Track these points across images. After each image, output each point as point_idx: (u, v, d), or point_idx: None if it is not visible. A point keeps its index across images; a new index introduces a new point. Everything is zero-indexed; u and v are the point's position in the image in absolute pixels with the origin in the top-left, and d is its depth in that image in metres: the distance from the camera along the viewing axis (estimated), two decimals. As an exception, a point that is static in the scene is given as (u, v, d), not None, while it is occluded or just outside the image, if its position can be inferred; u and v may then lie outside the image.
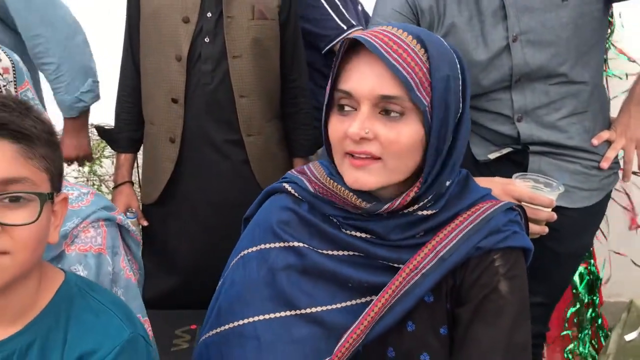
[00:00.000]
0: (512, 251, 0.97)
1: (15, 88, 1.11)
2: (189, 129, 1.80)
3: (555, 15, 1.44)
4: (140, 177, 2.02)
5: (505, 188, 1.29)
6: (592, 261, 2.34)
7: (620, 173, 1.65)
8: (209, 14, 1.77)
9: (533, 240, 1.22)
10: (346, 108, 0.94)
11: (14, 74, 1.11)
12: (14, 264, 0.79)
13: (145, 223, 1.92)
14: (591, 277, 2.35)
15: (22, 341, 0.85)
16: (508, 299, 0.94)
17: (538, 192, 1.30)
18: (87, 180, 2.80)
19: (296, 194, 1.06)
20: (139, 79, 1.87)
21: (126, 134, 1.92)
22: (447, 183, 0.98)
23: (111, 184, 2.56)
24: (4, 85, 1.07)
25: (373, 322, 0.94)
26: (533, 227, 1.28)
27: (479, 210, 0.98)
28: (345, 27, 1.93)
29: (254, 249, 1.05)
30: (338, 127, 0.95)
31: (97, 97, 1.94)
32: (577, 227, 1.56)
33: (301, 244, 1.02)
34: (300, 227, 1.03)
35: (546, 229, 1.32)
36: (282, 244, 1.03)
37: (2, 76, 1.08)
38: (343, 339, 0.94)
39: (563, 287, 1.73)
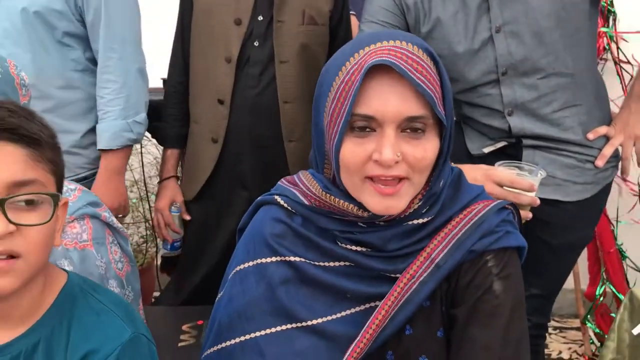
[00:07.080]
0: (506, 251, 0.97)
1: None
2: (232, 130, 1.81)
3: (537, 6, 1.46)
4: (182, 173, 2.04)
5: (487, 173, 1.31)
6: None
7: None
8: (260, 17, 1.78)
9: (529, 233, 1.22)
10: (367, 130, 0.90)
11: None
12: (27, 267, 0.81)
13: (188, 217, 1.94)
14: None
15: (28, 342, 0.87)
16: (502, 298, 0.94)
17: (519, 177, 1.31)
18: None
19: (289, 207, 1.05)
20: (187, 77, 1.90)
21: (173, 130, 1.94)
22: (441, 183, 0.98)
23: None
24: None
25: (376, 333, 0.94)
26: None
27: (471, 212, 0.98)
28: None
29: (251, 263, 1.04)
30: (357, 151, 0.90)
31: (142, 136, 1.86)
32: (571, 219, 1.58)
33: (297, 258, 1.01)
34: (295, 240, 1.03)
35: (530, 214, 1.32)
36: (278, 258, 1.02)
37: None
38: (348, 353, 0.94)
39: (560, 280, 1.72)
